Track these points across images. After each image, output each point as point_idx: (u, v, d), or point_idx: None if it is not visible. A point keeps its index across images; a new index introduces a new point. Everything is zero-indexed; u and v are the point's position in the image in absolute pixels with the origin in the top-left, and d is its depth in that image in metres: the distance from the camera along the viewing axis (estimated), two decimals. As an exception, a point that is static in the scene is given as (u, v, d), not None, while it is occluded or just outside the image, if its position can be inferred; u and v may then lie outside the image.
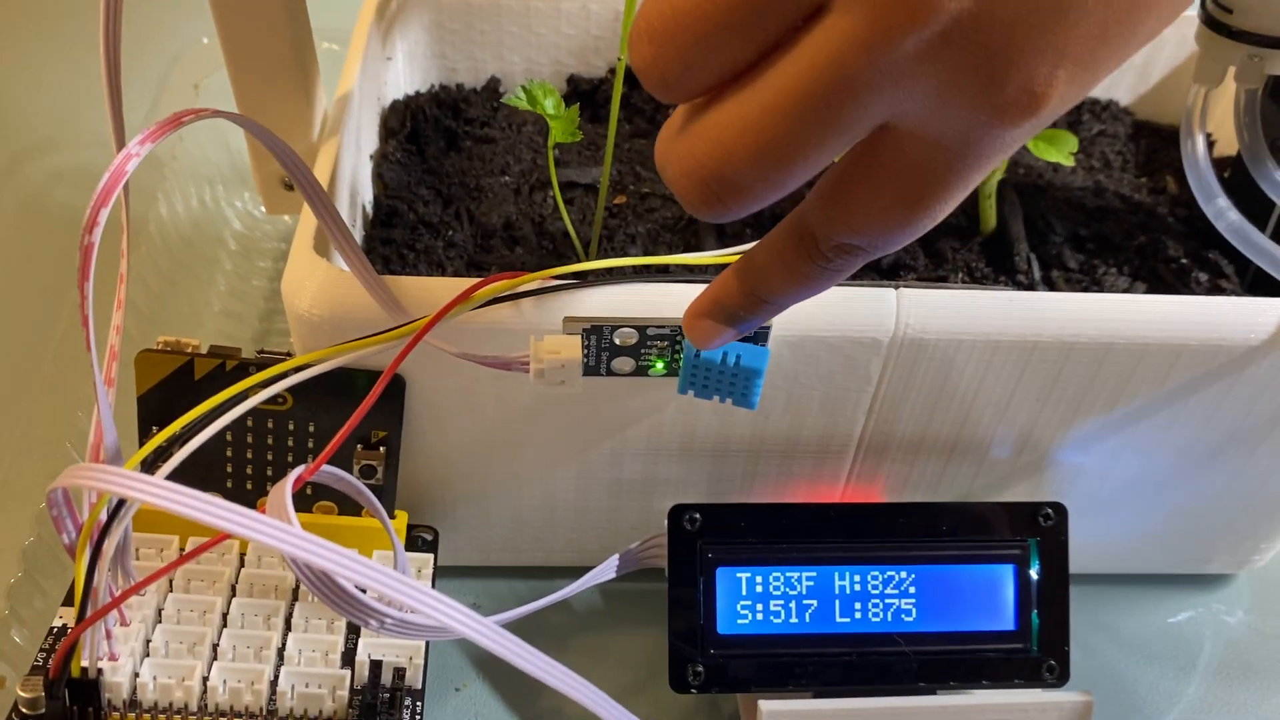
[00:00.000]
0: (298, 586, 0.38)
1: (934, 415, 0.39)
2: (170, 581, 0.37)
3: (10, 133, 0.64)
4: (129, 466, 0.31)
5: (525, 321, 0.35)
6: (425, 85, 0.53)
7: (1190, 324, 0.37)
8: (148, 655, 0.35)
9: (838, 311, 0.36)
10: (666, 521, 0.38)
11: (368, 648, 0.36)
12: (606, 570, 0.39)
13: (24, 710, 0.33)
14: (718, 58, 0.23)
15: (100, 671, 0.34)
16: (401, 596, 0.29)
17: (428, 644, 0.37)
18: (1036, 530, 0.39)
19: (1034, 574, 0.39)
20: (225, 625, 0.36)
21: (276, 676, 0.35)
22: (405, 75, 0.52)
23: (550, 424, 0.39)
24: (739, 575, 0.38)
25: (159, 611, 0.36)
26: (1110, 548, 0.45)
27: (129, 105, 0.33)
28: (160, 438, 0.34)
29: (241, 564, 0.38)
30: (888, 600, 0.38)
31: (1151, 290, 0.43)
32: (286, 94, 0.45)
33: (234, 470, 0.39)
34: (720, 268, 0.29)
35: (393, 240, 0.43)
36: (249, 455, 0.39)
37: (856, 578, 0.38)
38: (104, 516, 0.31)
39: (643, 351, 0.35)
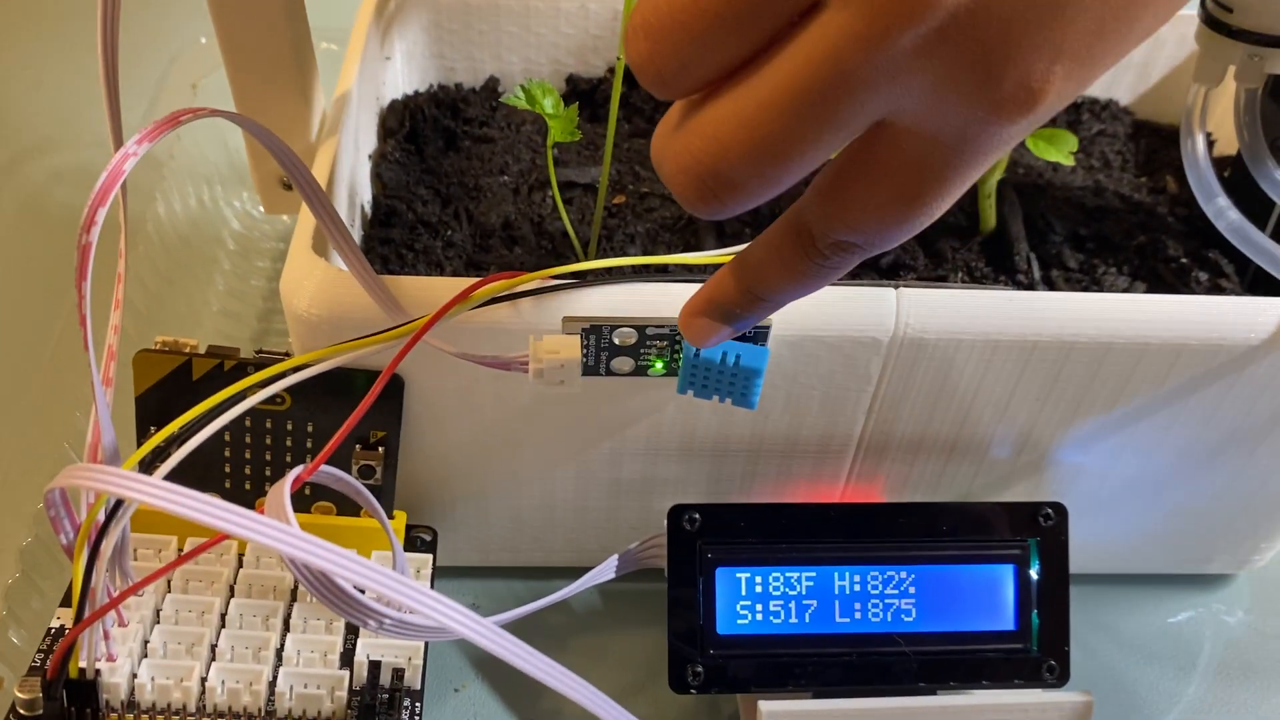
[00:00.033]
0: (296, 587, 0.38)
1: (934, 415, 0.39)
2: (168, 582, 0.37)
3: (10, 133, 0.64)
4: (127, 467, 0.31)
5: (524, 321, 0.35)
6: (424, 85, 0.53)
7: (1190, 323, 0.37)
8: (146, 656, 0.35)
9: (837, 311, 0.36)
10: (666, 521, 0.38)
11: (366, 648, 0.36)
12: (606, 570, 0.39)
13: (22, 711, 0.33)
14: (714, 54, 0.23)
15: (98, 672, 0.34)
16: (400, 597, 0.29)
17: (427, 645, 0.37)
18: (1036, 530, 0.39)
19: (1034, 574, 0.39)
20: (224, 626, 0.36)
21: (275, 677, 0.35)
22: (404, 75, 0.52)
23: (549, 424, 0.39)
24: (739, 575, 0.38)
25: (157, 612, 0.36)
26: (1110, 548, 0.45)
27: (127, 105, 0.33)
28: (158, 438, 0.34)
29: (240, 564, 0.38)
30: (887, 600, 0.38)
31: (1151, 290, 0.43)
32: (285, 94, 0.44)
33: (232, 470, 0.39)
34: (719, 267, 0.29)
35: (391, 240, 0.43)
36: (247, 455, 0.38)
37: (856, 578, 0.38)
38: (102, 517, 0.31)
39: (642, 351, 0.35)
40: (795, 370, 0.37)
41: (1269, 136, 0.39)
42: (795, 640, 0.38)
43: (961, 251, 0.44)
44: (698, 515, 0.38)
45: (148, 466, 0.34)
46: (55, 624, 0.36)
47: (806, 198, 0.26)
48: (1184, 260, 0.44)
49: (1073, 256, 0.44)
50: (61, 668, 0.33)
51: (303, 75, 0.44)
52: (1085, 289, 0.43)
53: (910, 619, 0.38)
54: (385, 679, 0.36)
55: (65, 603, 0.37)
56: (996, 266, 0.44)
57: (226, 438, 0.38)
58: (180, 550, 0.38)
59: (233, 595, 0.37)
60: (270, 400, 0.35)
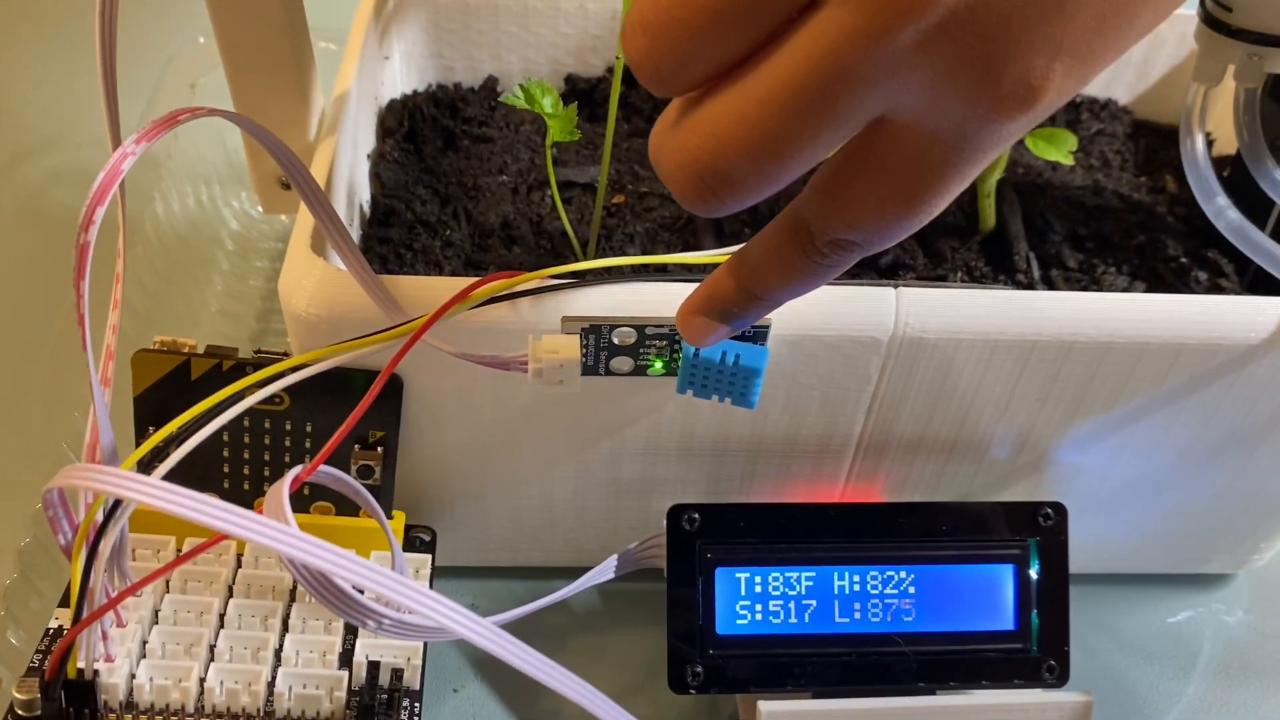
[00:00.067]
0: (295, 587, 0.38)
1: (933, 415, 0.39)
2: (167, 582, 0.37)
3: (8, 132, 0.64)
4: (125, 467, 0.31)
5: (523, 321, 0.35)
6: (423, 84, 0.52)
7: (1190, 323, 0.36)
8: (144, 656, 0.35)
9: (837, 311, 0.36)
10: (665, 521, 0.38)
11: (365, 649, 0.36)
12: (605, 570, 0.39)
13: (20, 712, 0.33)
14: (712, 50, 0.23)
15: (96, 673, 0.33)
16: (399, 597, 0.29)
17: (426, 645, 0.37)
18: (1036, 530, 0.39)
19: (1034, 574, 0.39)
20: (222, 626, 0.36)
21: (274, 678, 0.35)
22: (402, 74, 0.52)
23: (548, 424, 0.39)
24: (738, 575, 0.38)
25: (156, 612, 0.36)
26: (1110, 547, 0.45)
27: (125, 105, 0.32)
28: (157, 438, 0.34)
29: (239, 565, 0.38)
30: (887, 600, 0.38)
31: (1151, 289, 0.43)
32: (283, 93, 0.44)
33: (231, 470, 0.39)
34: (718, 267, 0.29)
35: (390, 239, 0.43)
36: (246, 455, 0.38)
37: (856, 578, 0.38)
38: (100, 517, 0.31)
39: (641, 351, 0.35)
40: (795, 370, 0.37)
41: (1268, 136, 0.39)
42: (795, 640, 0.38)
43: (961, 251, 0.44)
44: (697, 515, 0.38)
45: (146, 466, 0.34)
46: (53, 624, 0.36)
47: (805, 195, 0.26)
48: (1183, 260, 0.44)
49: (1072, 256, 0.44)
50: (60, 668, 0.33)
51: (301, 75, 0.44)
52: (1085, 288, 0.43)
53: (910, 619, 0.38)
54: (384, 679, 0.36)
55: (63, 603, 0.37)
56: (996, 266, 0.44)
57: (225, 438, 0.38)
58: (179, 550, 0.38)
59: (231, 595, 0.37)
60: (269, 400, 0.35)
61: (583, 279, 0.35)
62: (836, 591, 0.38)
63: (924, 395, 0.38)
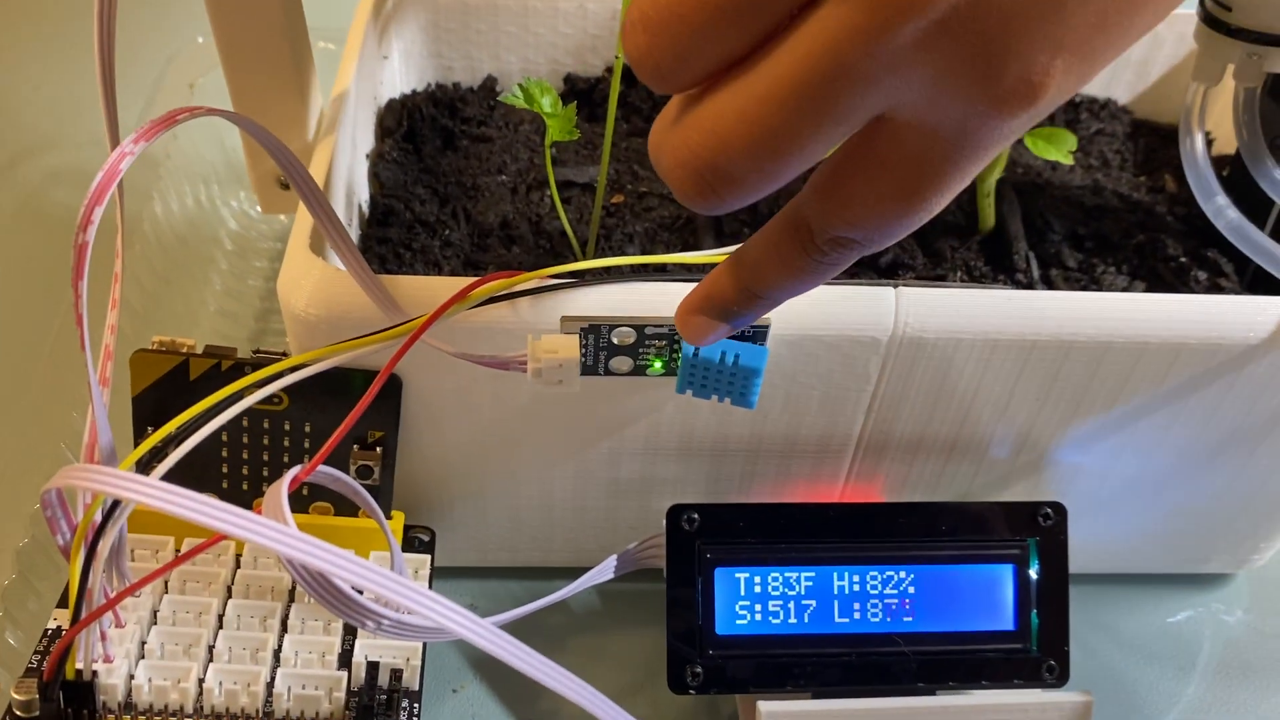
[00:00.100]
0: (294, 588, 0.38)
1: (933, 414, 0.39)
2: (166, 583, 0.37)
3: (7, 132, 0.64)
4: (124, 467, 0.31)
5: (522, 321, 0.35)
6: (422, 84, 0.52)
7: (1189, 323, 0.36)
8: (143, 657, 0.35)
9: (836, 310, 0.36)
10: (665, 521, 0.38)
11: (365, 649, 0.36)
12: (604, 571, 0.39)
13: (18, 713, 0.33)
14: (713, 47, 0.22)
15: (95, 674, 0.33)
16: (398, 598, 0.28)
17: (425, 645, 0.37)
18: (1036, 530, 0.39)
19: (1033, 574, 0.39)
20: (221, 627, 0.36)
21: (273, 678, 0.35)
22: (401, 74, 0.52)
23: (548, 424, 0.39)
24: (737, 575, 0.38)
25: (154, 613, 0.36)
26: (1110, 547, 0.45)
27: (124, 104, 0.32)
28: (155, 438, 0.34)
29: (238, 565, 0.38)
30: (887, 600, 0.38)
31: (1150, 289, 0.43)
32: (282, 93, 0.44)
33: (230, 471, 0.39)
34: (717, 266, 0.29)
35: (389, 239, 0.43)
36: (245, 456, 0.38)
37: (855, 578, 0.38)
38: (99, 517, 0.31)
39: (641, 351, 0.35)
40: (794, 370, 0.37)
41: (1268, 135, 0.39)
42: (794, 640, 0.38)
43: (960, 250, 0.44)
44: (696, 515, 0.38)
45: (145, 467, 0.34)
46: (52, 625, 0.36)
47: (804, 194, 0.25)
48: (1183, 259, 0.44)
49: (1071, 255, 0.44)
50: (58, 669, 0.33)
51: (300, 74, 0.44)
52: (1084, 288, 0.43)
53: (909, 619, 0.38)
54: (383, 680, 0.36)
55: (62, 604, 0.37)
56: (995, 265, 0.44)
57: (224, 438, 0.38)
58: (178, 551, 0.38)
59: (230, 596, 0.37)
60: (268, 400, 0.35)
61: (582, 279, 0.35)
62: (836, 591, 0.38)
63: (923, 395, 0.38)
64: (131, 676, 0.34)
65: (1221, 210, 0.39)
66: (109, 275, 0.33)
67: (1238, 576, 0.48)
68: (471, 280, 0.34)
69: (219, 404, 0.33)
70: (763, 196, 0.24)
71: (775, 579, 0.38)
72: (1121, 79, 0.54)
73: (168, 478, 0.28)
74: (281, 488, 0.30)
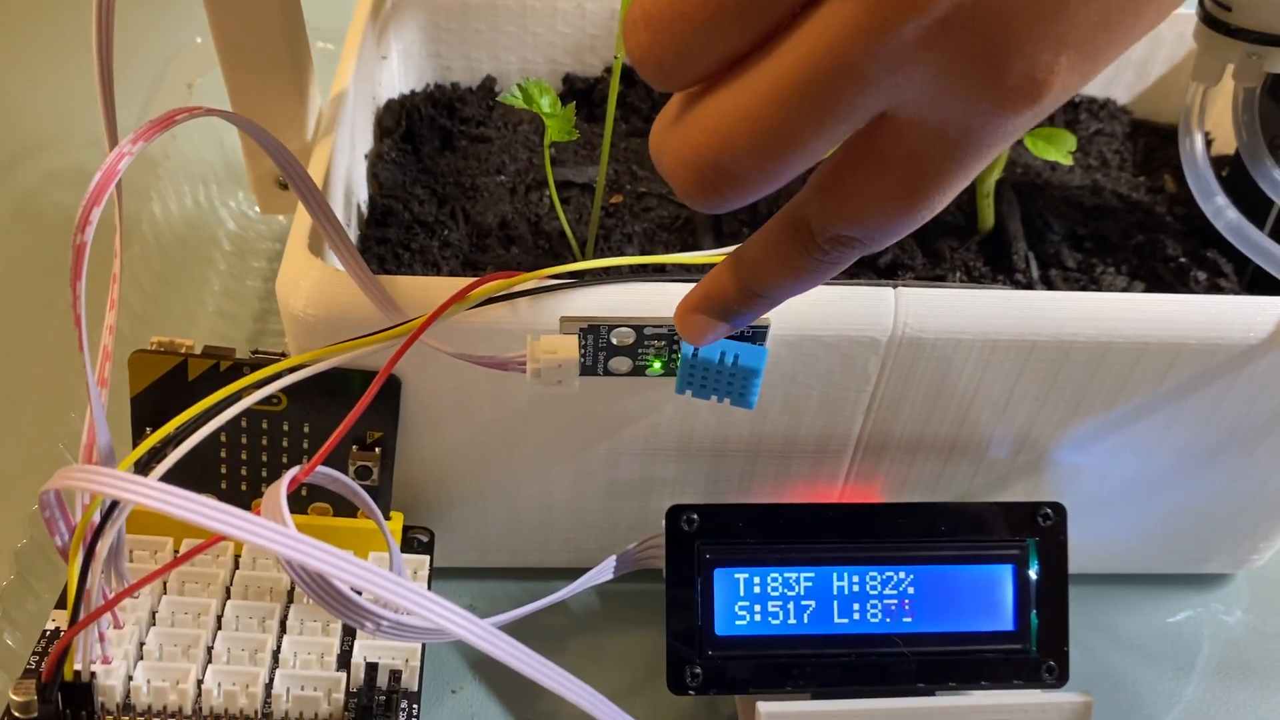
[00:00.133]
0: (293, 589, 0.38)
1: (932, 415, 0.39)
2: (164, 584, 0.37)
3: (6, 133, 0.64)
4: (122, 468, 0.31)
5: (521, 321, 0.35)
6: (420, 84, 0.52)
7: (1189, 323, 0.36)
8: (141, 658, 0.35)
9: (836, 310, 0.36)
10: (664, 522, 0.38)
11: (363, 650, 0.36)
12: (604, 571, 0.39)
13: (16, 714, 0.33)
14: (715, 45, 0.22)
15: (93, 675, 0.33)
16: (397, 599, 0.28)
17: (424, 646, 0.37)
18: (1035, 530, 0.39)
19: (1033, 574, 0.39)
20: (220, 628, 0.36)
21: (272, 679, 0.35)
22: (400, 74, 0.52)
23: (547, 424, 0.39)
24: (737, 576, 0.38)
25: (153, 614, 0.36)
26: (1109, 547, 0.45)
27: (122, 105, 0.32)
28: (154, 439, 0.34)
29: (236, 566, 0.38)
30: (886, 601, 0.38)
31: (1150, 289, 0.43)
32: (281, 93, 0.44)
33: (228, 471, 0.39)
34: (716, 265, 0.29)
35: (388, 240, 0.43)
36: (243, 456, 0.38)
37: (855, 578, 0.38)
38: (97, 518, 0.31)
39: (640, 351, 0.35)
40: (793, 370, 0.37)
41: (1267, 135, 0.39)
42: (794, 641, 0.38)
43: (960, 251, 0.44)
44: (696, 515, 0.38)
45: (143, 468, 0.34)
46: (50, 626, 0.36)
47: (805, 192, 0.25)
48: (1182, 259, 0.44)
49: (1071, 256, 0.44)
50: (56, 670, 0.33)
51: (299, 75, 0.44)
52: (1083, 288, 0.43)
53: (909, 620, 0.38)
54: (382, 681, 0.36)
55: (60, 605, 0.37)
56: (995, 266, 0.44)
57: (222, 438, 0.38)
58: (176, 552, 0.38)
59: (229, 597, 0.37)
60: (266, 401, 0.35)
61: (581, 279, 0.35)
62: (835, 592, 0.38)
63: (923, 395, 0.38)
64: (130, 678, 0.34)
65: (1221, 210, 0.39)
66: (107, 276, 0.33)
67: (1237, 577, 0.48)
68: (470, 281, 0.34)
69: (218, 405, 0.33)
70: (764, 195, 0.24)
71: (775, 579, 0.38)
72: (1121, 79, 0.54)
73: (166, 478, 0.28)
74: (280, 488, 0.30)
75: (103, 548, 0.31)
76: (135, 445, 0.37)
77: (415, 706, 0.36)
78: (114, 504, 0.31)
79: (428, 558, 0.40)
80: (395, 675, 0.36)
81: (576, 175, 0.47)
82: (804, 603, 0.38)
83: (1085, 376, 0.37)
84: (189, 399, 0.33)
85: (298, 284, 0.35)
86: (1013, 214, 0.45)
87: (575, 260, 0.40)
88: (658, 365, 0.35)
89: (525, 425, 0.39)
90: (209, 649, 0.36)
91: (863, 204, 0.24)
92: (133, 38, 0.54)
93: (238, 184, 0.60)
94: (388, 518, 0.39)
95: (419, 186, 0.46)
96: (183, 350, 0.37)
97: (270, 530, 0.27)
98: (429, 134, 0.49)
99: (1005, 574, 0.39)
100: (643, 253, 0.43)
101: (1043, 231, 0.45)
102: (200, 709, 0.34)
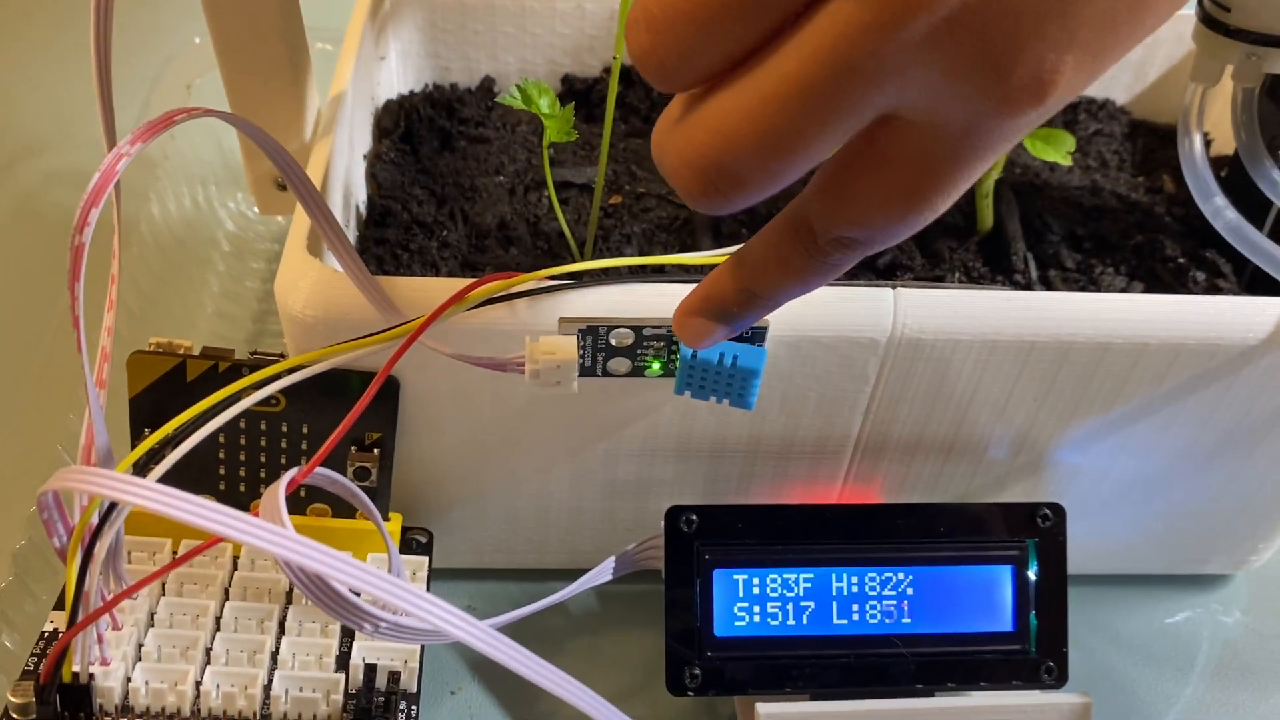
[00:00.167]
0: (291, 590, 0.38)
1: (931, 415, 0.39)
2: (163, 585, 0.37)
3: (4, 134, 0.64)
4: (120, 469, 0.31)
5: (520, 322, 0.35)
6: (419, 85, 0.52)
7: (1188, 323, 0.36)
8: (140, 660, 0.35)
9: (835, 311, 0.36)
10: (663, 523, 0.38)
11: (362, 651, 0.36)
12: (603, 572, 0.39)
13: (15, 716, 0.33)
14: (717, 45, 0.22)
15: (92, 676, 0.33)
16: (395, 600, 0.28)
17: (423, 647, 0.37)
18: (1034, 531, 0.39)
19: (1032, 575, 0.39)
20: (218, 629, 0.36)
21: (270, 680, 0.35)
22: (399, 75, 0.52)
23: (546, 425, 0.39)
24: (736, 577, 0.38)
25: (151, 615, 0.36)
26: (1108, 548, 0.45)
27: (121, 105, 0.32)
28: (152, 440, 0.34)
29: (235, 567, 0.38)
30: (885, 602, 0.38)
31: (1149, 290, 0.43)
32: (279, 94, 0.44)
33: (227, 473, 0.39)
34: (716, 268, 0.29)
35: (386, 240, 0.43)
36: (242, 457, 0.38)
37: (854, 579, 0.38)
38: (95, 520, 0.31)
39: (639, 352, 0.35)
40: (792, 371, 0.37)
41: (1266, 136, 0.39)
42: (793, 642, 0.38)
43: (959, 251, 0.44)
44: (695, 516, 0.38)
45: (142, 469, 0.34)
46: (48, 628, 0.36)
47: (806, 194, 0.25)
48: (1181, 260, 0.44)
49: (1070, 256, 0.44)
50: (55, 672, 0.33)
51: (297, 75, 0.44)
52: (1083, 289, 0.43)
53: (908, 620, 0.38)
54: (381, 682, 0.36)
55: (59, 606, 0.36)
56: (994, 266, 0.44)
57: (221, 440, 0.38)
58: (175, 553, 0.38)
59: (227, 598, 0.37)
60: (265, 402, 0.35)
61: (580, 280, 0.35)
62: (834, 593, 0.38)
63: (922, 396, 0.38)
64: (128, 679, 0.34)
65: (1220, 211, 0.39)
66: (106, 277, 0.33)
67: (1236, 577, 0.48)
68: (469, 281, 0.34)
69: (216, 406, 0.33)
70: (767, 196, 0.24)
71: (774, 580, 0.38)
72: (1120, 79, 0.54)
73: (165, 480, 0.28)
74: (279, 490, 0.30)
75: (101, 549, 0.31)
76: (134, 446, 0.37)
77: (414, 708, 0.36)
78: (112, 505, 0.31)
79: (426, 559, 0.40)
80: (394, 676, 0.36)
81: (575, 176, 0.47)
82: (803, 604, 0.38)
83: (1084, 377, 0.37)
84: (187, 400, 0.33)
85: (296, 285, 0.35)
86: (1012, 214, 0.45)
87: (574, 261, 0.40)
88: (656, 366, 0.35)
89: (524, 426, 0.39)
90: (207, 650, 0.36)
91: (865, 205, 0.24)
92: (131, 38, 0.54)
93: (236, 185, 0.60)
94: (386, 519, 0.39)
95: (417, 187, 0.46)
96: (181, 351, 0.37)
97: (269, 531, 0.27)
98: (427, 134, 0.49)
99: (1004, 575, 0.39)
100: (642, 253, 0.43)
101: (1042, 232, 0.45)
102: (199, 710, 0.34)
